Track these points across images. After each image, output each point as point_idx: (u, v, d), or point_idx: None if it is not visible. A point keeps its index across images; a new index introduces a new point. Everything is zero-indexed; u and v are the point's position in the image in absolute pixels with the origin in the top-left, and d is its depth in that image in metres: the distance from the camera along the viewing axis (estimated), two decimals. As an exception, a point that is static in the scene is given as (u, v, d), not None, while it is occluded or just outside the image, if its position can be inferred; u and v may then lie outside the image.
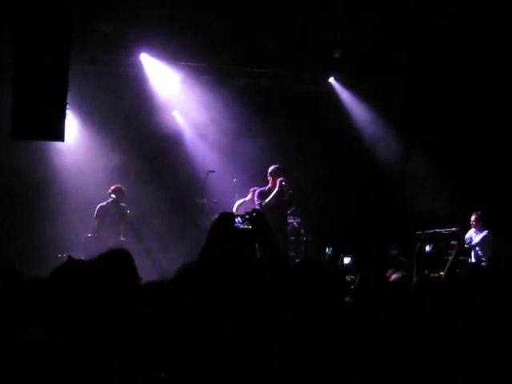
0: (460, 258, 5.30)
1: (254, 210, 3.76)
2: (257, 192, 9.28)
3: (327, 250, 11.69)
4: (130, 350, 1.61)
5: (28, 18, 7.18)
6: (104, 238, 9.55)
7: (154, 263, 9.27)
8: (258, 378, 1.60)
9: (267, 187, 9.21)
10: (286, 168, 9.44)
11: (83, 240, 9.75)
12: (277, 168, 9.26)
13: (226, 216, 3.68)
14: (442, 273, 6.88)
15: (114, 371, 1.83)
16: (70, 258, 2.94)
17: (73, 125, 10.83)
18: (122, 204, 10.07)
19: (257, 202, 9.15)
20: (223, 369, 1.53)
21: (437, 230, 11.24)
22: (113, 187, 9.99)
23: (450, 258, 5.33)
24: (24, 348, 2.26)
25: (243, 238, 3.49)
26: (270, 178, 9.23)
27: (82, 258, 4.18)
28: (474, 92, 11.50)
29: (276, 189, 8.98)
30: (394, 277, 4.46)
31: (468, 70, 11.30)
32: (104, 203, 9.99)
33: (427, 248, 10.57)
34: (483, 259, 10.39)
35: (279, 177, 9.06)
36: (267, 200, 8.96)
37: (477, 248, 10.55)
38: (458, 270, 5.51)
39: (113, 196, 9.90)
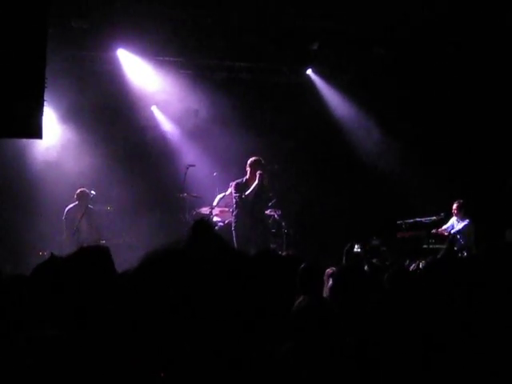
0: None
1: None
2: (233, 184, 9.27)
3: (356, 246, 8.97)
4: (126, 349, 1.59)
5: (2, 14, 7.09)
6: (72, 238, 9.92)
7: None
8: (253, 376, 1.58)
9: (244, 179, 9.18)
10: (265, 161, 9.42)
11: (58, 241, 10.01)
12: (256, 160, 9.19)
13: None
14: (422, 261, 6.93)
15: (111, 371, 1.80)
16: (53, 256, 2.92)
17: (51, 121, 10.75)
18: (89, 206, 10.22)
19: (235, 195, 9.13)
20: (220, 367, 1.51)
21: (417, 219, 11.30)
22: (77, 192, 10.28)
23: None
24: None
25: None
26: (248, 170, 9.18)
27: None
28: (454, 82, 11.58)
29: (256, 181, 8.97)
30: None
31: (449, 60, 11.38)
32: (71, 205, 10.19)
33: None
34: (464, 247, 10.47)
35: (258, 169, 9.05)
36: (247, 193, 8.96)
37: (458, 236, 10.63)
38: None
39: (77, 202, 10.25)
